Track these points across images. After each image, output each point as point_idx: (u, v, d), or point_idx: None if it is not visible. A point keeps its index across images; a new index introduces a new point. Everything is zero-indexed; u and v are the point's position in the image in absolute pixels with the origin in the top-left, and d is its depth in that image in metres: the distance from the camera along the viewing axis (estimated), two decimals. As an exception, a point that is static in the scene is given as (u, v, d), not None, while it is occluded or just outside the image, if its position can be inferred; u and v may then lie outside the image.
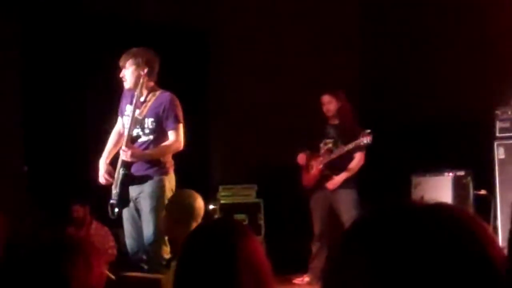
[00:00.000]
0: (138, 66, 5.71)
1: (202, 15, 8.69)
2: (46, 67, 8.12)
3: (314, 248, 7.16)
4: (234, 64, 8.77)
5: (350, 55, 8.87)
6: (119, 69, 5.81)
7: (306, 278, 7.25)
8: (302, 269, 7.22)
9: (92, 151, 7.39)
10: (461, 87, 8.05)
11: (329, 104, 7.17)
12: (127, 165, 5.75)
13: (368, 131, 6.96)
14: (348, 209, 6.97)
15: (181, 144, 5.76)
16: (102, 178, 5.83)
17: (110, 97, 6.29)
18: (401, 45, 8.64)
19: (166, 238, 5.55)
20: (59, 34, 8.14)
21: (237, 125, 8.69)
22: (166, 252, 5.67)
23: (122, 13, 8.33)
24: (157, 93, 5.79)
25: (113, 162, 5.86)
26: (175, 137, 5.72)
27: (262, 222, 8.02)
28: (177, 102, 5.78)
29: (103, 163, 5.89)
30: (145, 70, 5.69)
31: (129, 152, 5.66)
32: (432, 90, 8.34)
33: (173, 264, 4.42)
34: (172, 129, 5.73)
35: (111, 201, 5.78)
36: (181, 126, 5.75)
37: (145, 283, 4.60)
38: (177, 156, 5.91)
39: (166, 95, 5.78)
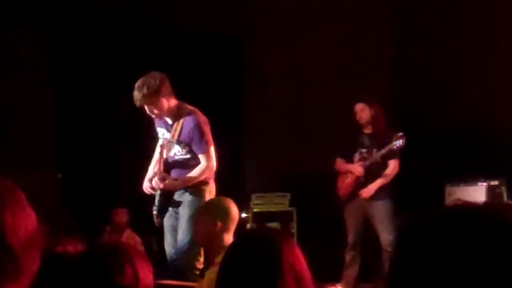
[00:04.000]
0: (148, 95, 5.68)
1: (235, 22, 8.71)
2: (79, 74, 8.19)
3: (348, 256, 7.13)
4: (267, 72, 8.77)
5: (385, 62, 8.83)
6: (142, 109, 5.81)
7: (339, 287, 7.21)
8: (335, 278, 7.19)
9: (125, 157, 7.46)
10: (497, 94, 7.98)
11: (362, 112, 7.14)
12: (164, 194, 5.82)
13: (401, 134, 6.93)
14: (382, 219, 6.94)
15: (213, 167, 5.80)
16: (146, 188, 5.91)
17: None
18: (437, 53, 8.59)
19: (201, 248, 5.58)
20: (93, 40, 8.20)
21: (270, 133, 8.68)
22: (200, 262, 5.68)
23: (156, 20, 8.37)
24: (183, 115, 5.80)
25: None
26: (205, 161, 5.76)
27: (294, 230, 7.99)
28: (202, 124, 5.77)
29: (149, 173, 5.95)
30: (155, 98, 5.68)
31: (162, 185, 5.74)
32: (467, 98, 8.27)
33: (207, 272, 4.43)
34: (202, 153, 5.76)
35: (154, 211, 5.84)
36: (210, 148, 5.78)
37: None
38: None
39: (191, 119, 5.77)
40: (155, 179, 5.80)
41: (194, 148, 5.76)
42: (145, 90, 5.65)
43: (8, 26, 7.68)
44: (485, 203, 1.20)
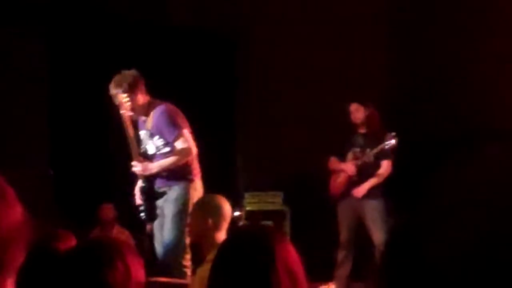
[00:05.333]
0: (126, 92, 5.70)
1: (230, 22, 8.68)
2: (72, 71, 8.16)
3: (340, 256, 7.13)
4: (261, 70, 8.75)
5: (380, 62, 8.80)
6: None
7: (331, 286, 7.20)
8: (327, 277, 7.17)
9: (117, 153, 7.42)
10: (495, 98, 7.98)
11: (357, 112, 7.14)
12: (146, 179, 5.78)
13: (393, 133, 6.93)
14: (375, 218, 6.95)
15: (189, 149, 5.76)
16: (136, 197, 5.91)
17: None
18: (432, 56, 8.57)
19: (188, 244, 5.57)
20: (85, 38, 8.17)
21: (263, 131, 8.66)
22: (186, 259, 5.68)
23: (150, 19, 8.34)
24: (152, 109, 5.81)
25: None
26: (180, 145, 5.73)
27: (287, 229, 7.97)
28: (169, 112, 5.78)
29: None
30: (133, 95, 5.71)
31: (140, 167, 5.70)
32: (462, 97, 8.26)
33: (199, 270, 4.41)
34: (174, 140, 5.74)
35: (142, 216, 5.83)
36: (183, 132, 5.74)
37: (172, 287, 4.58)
38: (202, 163, 5.91)
39: (158, 110, 5.80)
40: (132, 165, 5.78)
41: (166, 137, 5.74)
42: (124, 86, 5.67)
43: (1, 24, 7.64)
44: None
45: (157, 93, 5.96)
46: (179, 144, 5.73)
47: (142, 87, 5.80)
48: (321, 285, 7.27)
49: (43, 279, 2.10)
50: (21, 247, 1.59)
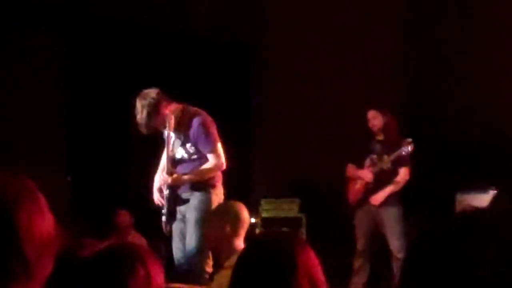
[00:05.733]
0: (150, 109, 5.68)
1: (244, 28, 8.69)
2: (90, 78, 8.18)
3: (357, 263, 7.11)
4: (276, 77, 8.75)
5: (396, 68, 8.78)
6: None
7: (347, 293, 7.19)
8: (344, 285, 7.16)
9: (133, 159, 7.44)
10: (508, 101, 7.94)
11: (374, 119, 7.14)
12: (171, 186, 5.81)
13: (409, 140, 6.92)
14: (392, 226, 6.93)
15: (222, 164, 5.81)
16: (154, 196, 5.91)
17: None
18: (448, 60, 8.55)
19: (210, 252, 5.57)
20: (105, 46, 8.20)
21: (280, 139, 8.66)
22: (209, 265, 5.69)
23: (168, 26, 8.35)
24: (187, 117, 5.79)
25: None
26: (213, 159, 5.76)
27: (304, 236, 7.95)
28: (207, 123, 5.79)
29: (156, 181, 5.94)
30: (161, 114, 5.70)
31: (170, 179, 5.72)
32: (479, 105, 8.23)
33: (217, 276, 4.41)
34: (209, 152, 5.76)
35: (163, 219, 5.84)
36: (217, 146, 5.77)
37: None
38: (219, 170, 5.92)
39: (195, 120, 5.78)
40: (163, 174, 5.80)
41: (201, 147, 5.76)
42: (146, 115, 5.65)
43: (21, 27, 7.67)
44: (492, 207, 1.19)
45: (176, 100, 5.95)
46: (212, 157, 5.76)
47: (163, 103, 5.75)
48: (337, 292, 7.28)
49: (66, 287, 2.09)
50: (51, 259, 1.58)
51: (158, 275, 1.97)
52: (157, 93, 5.73)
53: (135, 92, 5.82)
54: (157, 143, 6.11)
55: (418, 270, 1.15)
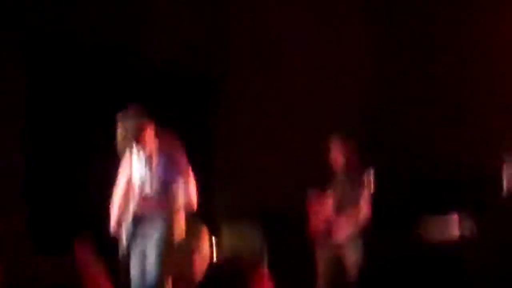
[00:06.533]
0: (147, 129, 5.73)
1: (202, 60, 8.69)
2: (49, 93, 8.10)
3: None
4: (235, 106, 8.73)
5: (360, 94, 8.79)
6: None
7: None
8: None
9: (93, 186, 7.35)
10: (470, 130, 8.03)
11: (335, 150, 7.11)
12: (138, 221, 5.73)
13: (370, 169, 6.91)
14: (354, 260, 6.88)
15: (194, 203, 5.84)
16: (112, 227, 5.83)
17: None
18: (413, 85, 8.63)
19: (170, 279, 5.53)
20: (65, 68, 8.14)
21: (242, 164, 8.62)
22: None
23: (130, 52, 8.32)
24: (163, 142, 5.79)
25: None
26: (186, 193, 5.77)
27: (265, 263, 7.87)
28: (183, 154, 5.81)
29: (115, 211, 5.88)
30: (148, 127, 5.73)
31: (141, 206, 5.70)
32: (443, 132, 8.30)
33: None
34: (183, 180, 5.76)
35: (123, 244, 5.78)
36: (191, 179, 5.83)
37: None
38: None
39: (170, 141, 5.78)
40: (134, 202, 5.73)
41: (173, 179, 5.71)
42: (144, 116, 5.67)
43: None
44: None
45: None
46: (186, 186, 5.73)
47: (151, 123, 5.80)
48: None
49: None
50: None
51: None
52: (142, 115, 5.71)
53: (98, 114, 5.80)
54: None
55: None
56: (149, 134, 5.77)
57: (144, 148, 5.78)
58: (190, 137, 6.07)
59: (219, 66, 8.75)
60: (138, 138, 5.73)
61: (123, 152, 5.82)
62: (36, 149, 8.07)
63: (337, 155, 7.11)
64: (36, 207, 7.94)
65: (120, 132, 5.71)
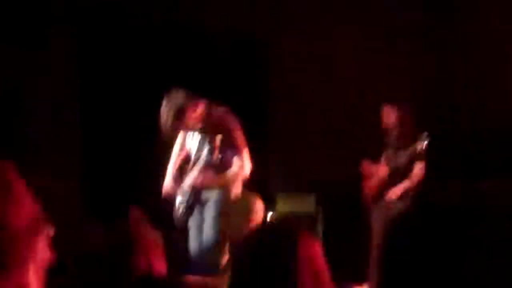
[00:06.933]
0: (176, 113, 5.74)
1: (261, 24, 8.67)
2: (105, 79, 8.17)
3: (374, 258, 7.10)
4: (293, 72, 8.71)
5: (412, 70, 8.71)
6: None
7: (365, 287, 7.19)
8: (361, 279, 7.16)
9: (146, 156, 7.46)
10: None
11: (389, 114, 7.13)
12: (195, 190, 5.85)
13: (425, 134, 6.88)
14: None
15: (247, 170, 5.89)
16: (168, 186, 5.95)
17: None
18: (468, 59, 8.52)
19: (227, 245, 5.63)
20: (118, 45, 8.18)
21: (297, 135, 8.63)
22: (225, 259, 5.73)
23: (182, 25, 8.34)
24: (214, 118, 5.84)
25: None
26: (240, 164, 5.85)
27: (320, 231, 7.94)
28: (235, 126, 5.86)
29: (172, 172, 5.99)
30: (190, 108, 5.75)
31: (200, 180, 5.75)
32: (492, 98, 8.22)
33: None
34: (237, 155, 5.83)
35: (179, 211, 5.88)
36: (244, 151, 5.87)
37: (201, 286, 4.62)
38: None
39: (224, 118, 5.83)
40: (193, 173, 5.85)
41: (228, 151, 5.80)
42: (172, 119, 5.70)
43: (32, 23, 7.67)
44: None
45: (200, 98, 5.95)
46: (238, 161, 5.84)
47: (189, 104, 5.80)
48: (354, 286, 7.27)
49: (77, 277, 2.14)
50: (33, 245, 1.56)
51: (160, 264, 1.98)
52: (183, 96, 5.76)
53: (152, 91, 5.86)
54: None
55: (396, 251, 1.17)
56: (197, 112, 5.82)
57: (194, 126, 5.85)
58: (244, 111, 6.13)
59: (275, 32, 8.70)
60: (184, 119, 5.80)
61: (173, 131, 5.86)
62: (93, 120, 8.18)
63: (389, 120, 7.11)
64: (92, 172, 8.05)
65: (167, 112, 5.75)
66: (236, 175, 5.84)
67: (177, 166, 6.11)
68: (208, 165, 5.89)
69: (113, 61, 8.13)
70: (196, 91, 5.96)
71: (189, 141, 6.07)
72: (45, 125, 7.72)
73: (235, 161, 5.83)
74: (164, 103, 5.76)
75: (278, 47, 8.68)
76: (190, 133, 6.02)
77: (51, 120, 7.77)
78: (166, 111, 5.72)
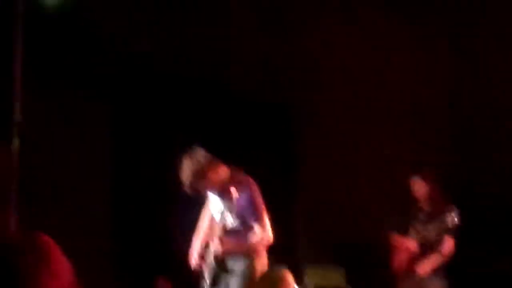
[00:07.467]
0: (202, 180, 5.70)
1: (286, 90, 8.67)
2: (135, 144, 8.20)
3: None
4: (318, 140, 8.69)
5: (439, 130, 8.68)
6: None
7: None
8: None
9: (176, 225, 7.41)
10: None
11: (418, 186, 7.07)
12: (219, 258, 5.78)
13: (454, 208, 6.81)
14: None
15: (268, 236, 5.78)
16: (194, 260, 5.88)
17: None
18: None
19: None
20: (150, 104, 8.23)
21: (323, 202, 8.56)
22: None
23: (211, 85, 8.36)
24: (235, 185, 5.76)
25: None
26: (261, 230, 5.75)
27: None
28: (255, 193, 5.78)
29: (197, 245, 5.93)
30: (209, 176, 5.70)
31: (220, 247, 5.70)
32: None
33: None
34: (256, 223, 5.74)
35: (204, 286, 5.81)
36: (264, 218, 5.77)
37: None
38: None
39: (243, 189, 5.75)
40: (214, 240, 5.77)
41: (248, 218, 5.73)
42: (191, 178, 5.65)
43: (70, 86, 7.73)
44: None
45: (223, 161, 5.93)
46: (258, 229, 5.74)
47: (212, 165, 5.75)
48: None
49: None
50: None
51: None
52: (205, 156, 5.72)
53: (178, 150, 5.83)
54: (196, 206, 6.10)
55: None
56: (219, 175, 5.77)
57: (212, 189, 5.81)
58: (270, 174, 6.09)
59: (301, 94, 8.69)
60: (204, 180, 5.75)
61: (191, 190, 5.80)
62: (124, 181, 8.18)
63: (419, 193, 7.04)
64: (122, 241, 8.02)
65: (187, 170, 5.72)
66: (258, 241, 5.75)
67: (201, 238, 6.04)
68: (229, 232, 5.82)
69: (141, 120, 8.18)
70: (219, 151, 5.94)
71: (211, 207, 6.02)
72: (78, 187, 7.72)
73: (256, 227, 5.76)
74: (184, 160, 5.71)
75: (307, 111, 8.66)
76: (212, 198, 5.97)
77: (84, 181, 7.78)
78: (186, 168, 5.68)
